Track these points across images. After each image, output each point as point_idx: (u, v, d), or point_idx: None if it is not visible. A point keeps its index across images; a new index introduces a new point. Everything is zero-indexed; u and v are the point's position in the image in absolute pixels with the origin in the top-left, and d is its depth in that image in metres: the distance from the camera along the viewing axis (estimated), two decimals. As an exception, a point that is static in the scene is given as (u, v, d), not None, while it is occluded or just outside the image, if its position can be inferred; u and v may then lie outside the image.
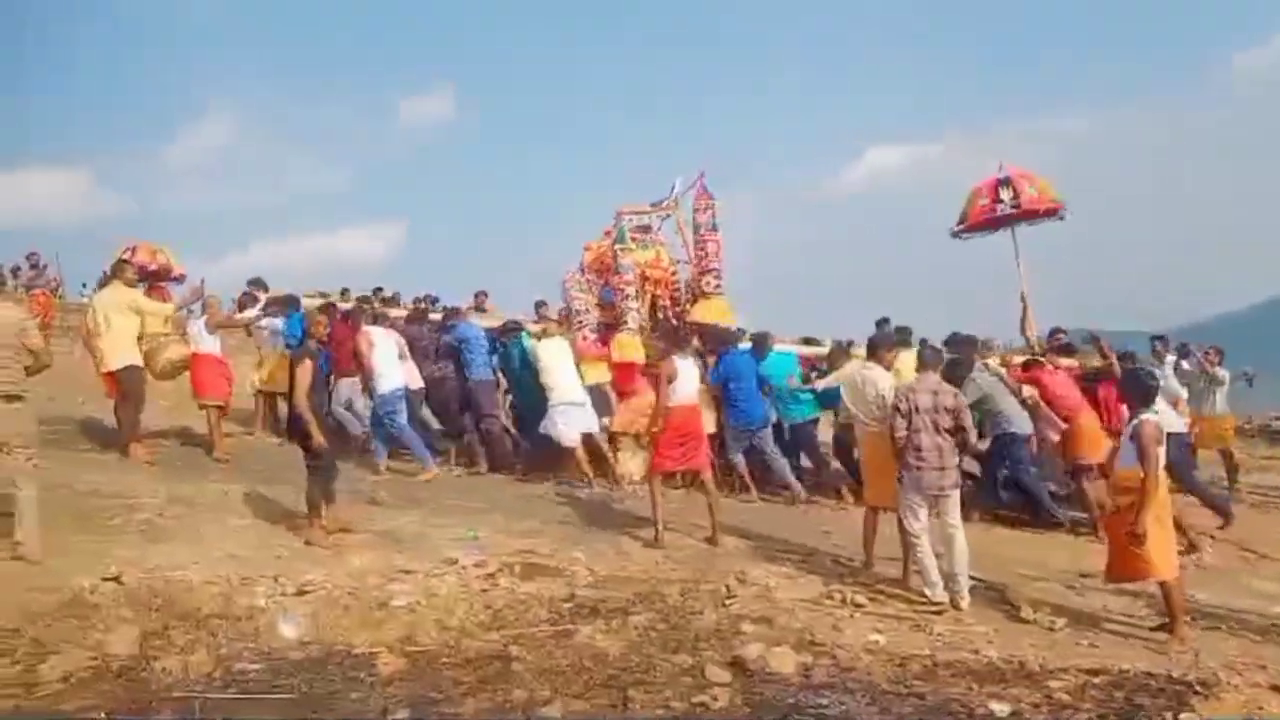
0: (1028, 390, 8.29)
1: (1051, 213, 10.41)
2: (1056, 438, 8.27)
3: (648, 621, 4.71)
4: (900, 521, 5.71)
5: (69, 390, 9.72)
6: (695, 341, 8.69)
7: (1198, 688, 4.13)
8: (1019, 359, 9.22)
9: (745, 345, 9.04)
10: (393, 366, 8.56)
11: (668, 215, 10.16)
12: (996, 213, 10.27)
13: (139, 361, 7.89)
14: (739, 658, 4.21)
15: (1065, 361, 9.13)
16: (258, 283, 10.18)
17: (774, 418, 8.97)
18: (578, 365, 8.93)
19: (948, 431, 5.57)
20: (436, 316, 9.98)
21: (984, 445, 7.76)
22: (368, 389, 8.71)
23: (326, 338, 6.75)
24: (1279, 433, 15.82)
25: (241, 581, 4.94)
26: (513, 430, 9.68)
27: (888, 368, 6.34)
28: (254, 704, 3.63)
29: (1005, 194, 10.20)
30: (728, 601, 5.15)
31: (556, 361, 8.73)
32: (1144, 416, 5.22)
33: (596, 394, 9.01)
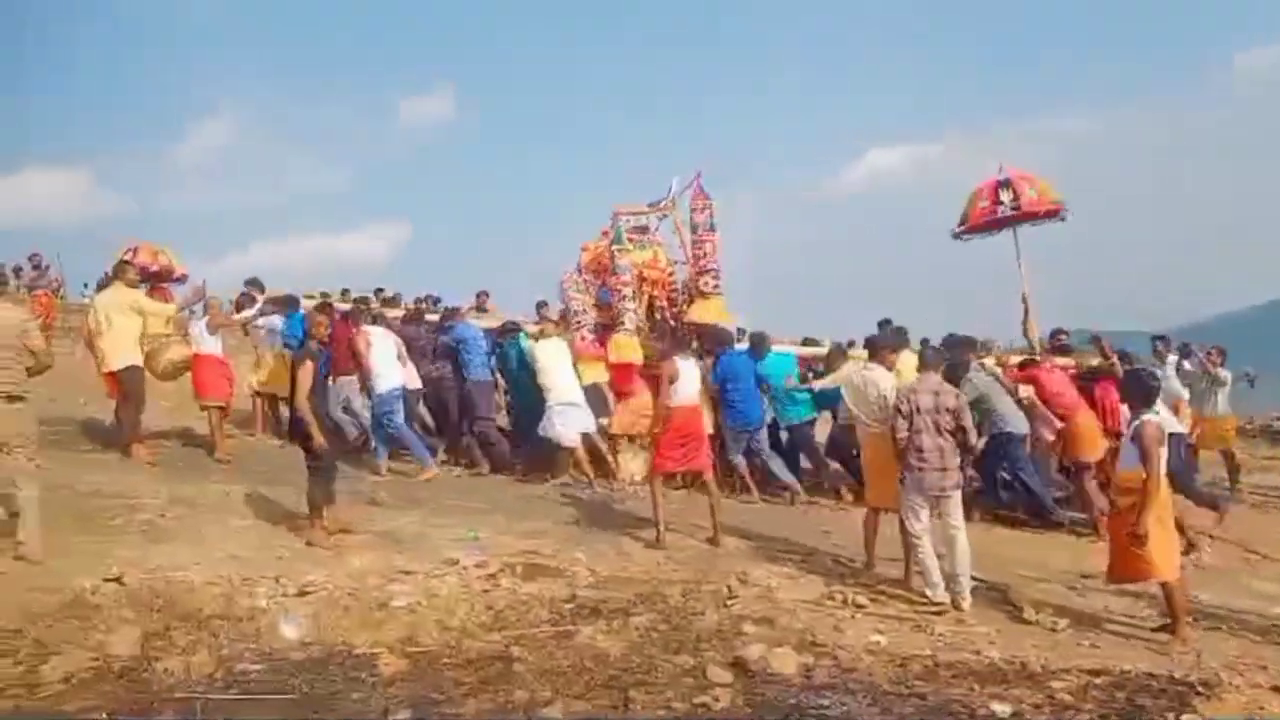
0: (1024, 390, 8.30)
1: (1052, 214, 10.42)
2: (1050, 438, 8.28)
3: (649, 622, 4.71)
4: (901, 522, 5.71)
5: (71, 391, 9.74)
6: (694, 342, 8.69)
7: (1199, 688, 4.13)
8: (1015, 359, 9.23)
9: (742, 346, 9.03)
10: (390, 366, 8.55)
11: (664, 215, 10.16)
12: (996, 215, 10.29)
13: (140, 362, 7.90)
14: (740, 658, 4.21)
15: (1061, 361, 9.14)
16: (255, 283, 10.18)
17: (769, 418, 8.97)
18: (575, 365, 8.93)
19: (949, 432, 5.58)
20: (434, 317, 9.98)
21: (980, 444, 7.78)
22: (366, 389, 8.72)
23: (327, 338, 6.77)
24: (1280, 433, 15.82)
25: (243, 582, 4.94)
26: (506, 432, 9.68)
27: (889, 368, 6.34)
28: (255, 705, 3.63)
29: (1005, 196, 10.22)
30: (729, 602, 5.14)
31: (554, 362, 8.73)
32: (1145, 417, 5.22)
33: (593, 393, 9.00)
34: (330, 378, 7.17)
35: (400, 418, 8.51)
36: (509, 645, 4.35)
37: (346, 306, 9.70)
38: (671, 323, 9.59)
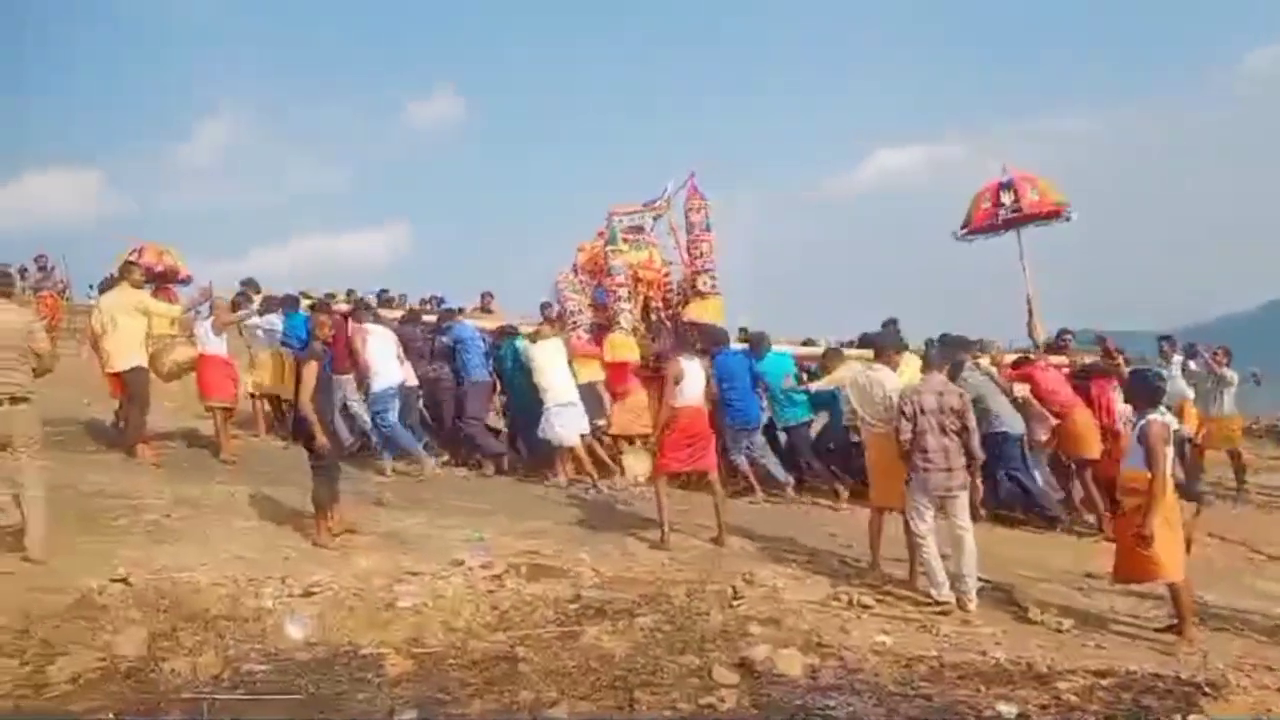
0: (1019, 388, 8.27)
1: (1054, 214, 10.41)
2: (1044, 437, 8.25)
3: (654, 623, 4.71)
4: (906, 522, 5.70)
5: (75, 392, 9.76)
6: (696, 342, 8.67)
7: (1206, 689, 4.12)
8: (1010, 358, 9.21)
9: (739, 345, 9.00)
10: (388, 363, 8.55)
11: (659, 215, 10.14)
12: (998, 217, 10.29)
13: (145, 363, 7.91)
14: (746, 659, 4.20)
15: (1056, 359, 9.13)
16: (250, 283, 10.16)
17: (766, 418, 8.94)
18: (570, 364, 8.92)
19: (954, 433, 5.57)
20: (431, 318, 9.96)
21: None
22: (363, 386, 8.70)
23: (330, 338, 6.77)
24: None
25: (249, 583, 4.95)
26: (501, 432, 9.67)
27: (894, 369, 6.33)
28: (261, 705, 3.63)
29: (1006, 198, 10.23)
30: (734, 602, 5.14)
31: (551, 363, 8.72)
32: (1151, 417, 5.20)
33: (588, 392, 8.98)
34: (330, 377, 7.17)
35: (394, 415, 8.48)
36: (514, 646, 4.35)
37: (346, 306, 9.71)
38: (667, 323, 9.58)
